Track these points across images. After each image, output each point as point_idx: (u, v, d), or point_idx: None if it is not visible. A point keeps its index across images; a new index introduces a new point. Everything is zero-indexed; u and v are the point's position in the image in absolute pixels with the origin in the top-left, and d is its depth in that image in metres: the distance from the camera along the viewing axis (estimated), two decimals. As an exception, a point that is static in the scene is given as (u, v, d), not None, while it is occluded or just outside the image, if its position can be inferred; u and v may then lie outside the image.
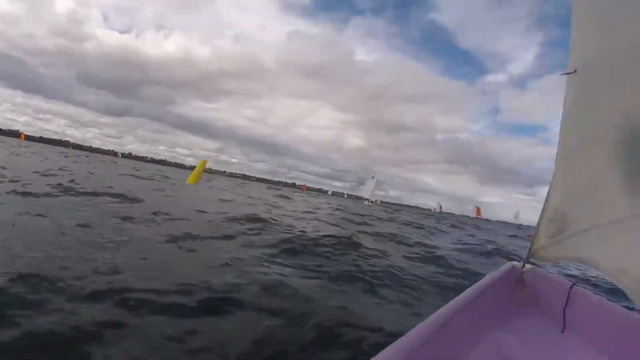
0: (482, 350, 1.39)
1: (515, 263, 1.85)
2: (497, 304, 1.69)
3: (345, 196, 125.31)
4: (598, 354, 1.42)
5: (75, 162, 25.14)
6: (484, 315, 1.57)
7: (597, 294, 1.63)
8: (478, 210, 78.40)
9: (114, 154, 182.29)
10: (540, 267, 1.85)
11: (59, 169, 13.95)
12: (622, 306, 1.48)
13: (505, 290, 1.76)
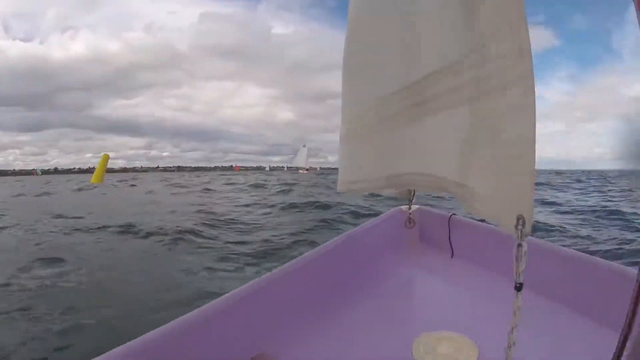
0: (385, 287, 1.53)
1: (402, 207, 1.96)
2: (390, 244, 1.84)
3: (285, 169, 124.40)
4: (485, 271, 1.56)
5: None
6: (378, 255, 1.72)
7: (473, 218, 1.74)
8: None
9: (35, 173, 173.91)
10: (426, 206, 2.01)
11: None
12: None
13: (396, 232, 1.91)
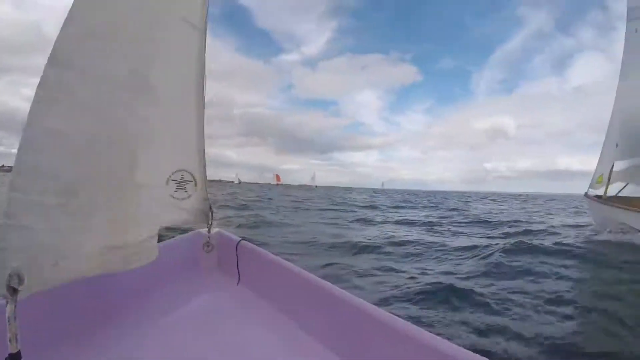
0: (168, 315, 1.43)
1: (201, 230, 1.92)
2: (185, 268, 1.79)
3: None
4: (267, 304, 1.54)
5: None
6: (169, 280, 1.65)
7: (265, 248, 1.77)
8: (277, 178, 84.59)
9: None
10: (225, 230, 1.99)
11: None
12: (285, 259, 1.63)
13: (193, 256, 1.88)
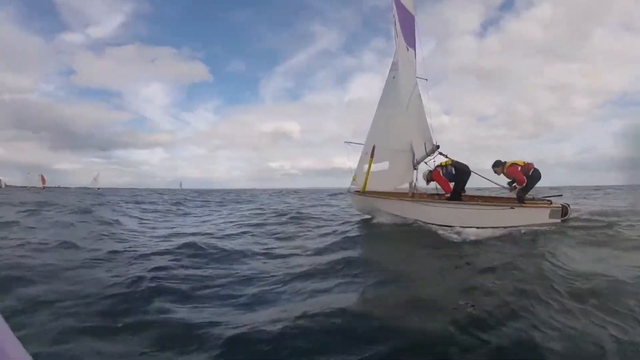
0: None
1: None
2: None
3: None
4: None
5: None
6: None
7: None
8: (42, 180, 71.38)
9: None
10: None
11: None
12: None
13: None
